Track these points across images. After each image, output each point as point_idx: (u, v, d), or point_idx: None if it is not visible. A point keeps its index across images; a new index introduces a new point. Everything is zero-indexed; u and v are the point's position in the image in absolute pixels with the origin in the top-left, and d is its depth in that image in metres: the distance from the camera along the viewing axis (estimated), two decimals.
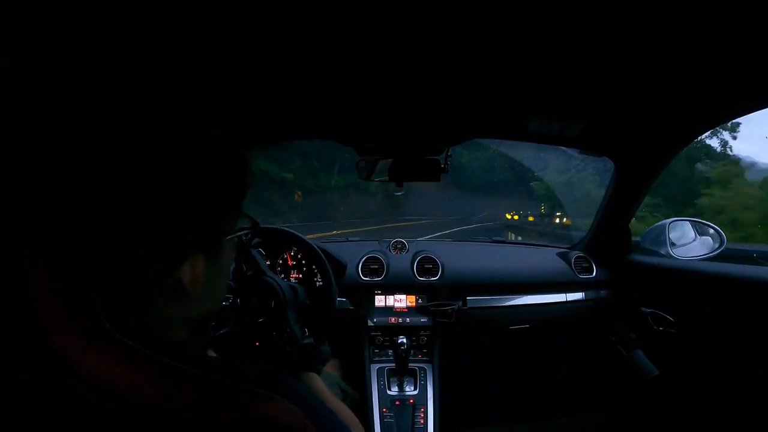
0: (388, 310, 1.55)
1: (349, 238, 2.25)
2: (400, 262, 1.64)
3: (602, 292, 1.63)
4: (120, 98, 0.45)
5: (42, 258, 0.35)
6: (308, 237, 1.34)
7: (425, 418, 1.34)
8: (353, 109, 1.10)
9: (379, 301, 1.55)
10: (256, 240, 1.26)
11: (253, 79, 0.90)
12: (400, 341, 1.37)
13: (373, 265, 1.61)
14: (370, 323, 1.53)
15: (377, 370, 1.48)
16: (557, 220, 15.81)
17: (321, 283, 1.31)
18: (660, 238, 1.46)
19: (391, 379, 1.45)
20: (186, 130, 0.43)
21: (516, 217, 20.56)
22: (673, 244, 1.43)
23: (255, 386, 0.41)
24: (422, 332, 1.54)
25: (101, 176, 0.37)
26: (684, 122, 1.12)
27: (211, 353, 1.01)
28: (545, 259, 1.75)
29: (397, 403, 1.37)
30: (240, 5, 0.61)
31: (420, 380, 1.45)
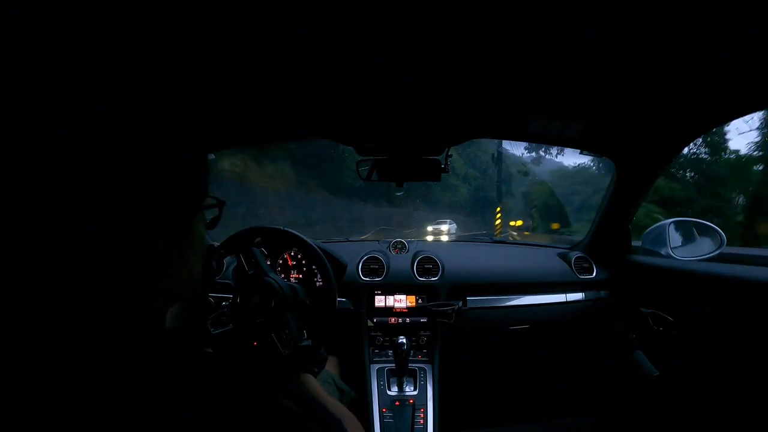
0: (388, 311, 1.55)
1: (349, 238, 2.25)
2: (400, 262, 1.64)
3: (602, 293, 1.63)
4: (117, 99, 0.45)
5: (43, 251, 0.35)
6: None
7: (425, 418, 1.34)
8: (354, 109, 1.10)
9: (379, 301, 1.55)
10: (258, 239, 1.27)
11: (253, 79, 0.90)
12: (400, 341, 1.37)
13: (373, 265, 1.61)
14: (370, 323, 1.53)
15: (377, 370, 1.48)
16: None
17: (321, 283, 1.31)
18: (660, 238, 1.46)
19: (391, 380, 1.45)
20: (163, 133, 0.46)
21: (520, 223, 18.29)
22: (673, 245, 1.43)
23: (254, 385, 0.41)
24: (422, 332, 1.54)
25: (93, 173, 0.37)
26: (684, 123, 1.12)
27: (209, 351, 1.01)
28: (545, 259, 1.75)
29: (397, 403, 1.37)
30: (240, 5, 0.61)
31: (420, 380, 1.44)
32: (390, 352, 1.50)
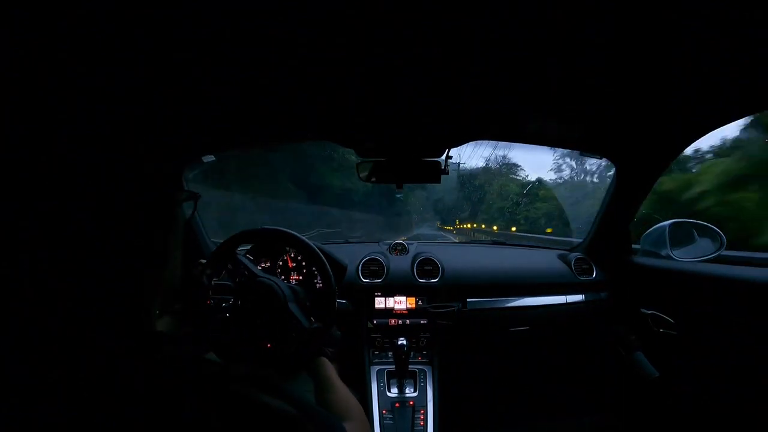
0: (388, 312, 1.54)
1: (349, 240, 2.25)
2: (400, 264, 1.64)
3: (602, 294, 1.63)
4: (117, 98, 0.45)
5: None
6: None
7: (425, 419, 1.33)
8: (354, 111, 1.10)
9: (379, 302, 1.55)
10: (243, 246, 1.27)
11: (253, 79, 0.90)
12: (400, 343, 1.37)
13: (373, 267, 1.61)
14: (369, 325, 1.53)
15: (377, 371, 1.48)
16: None
17: (321, 285, 1.31)
18: (660, 239, 1.46)
19: (391, 381, 1.44)
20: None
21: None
22: (673, 246, 1.43)
23: (250, 388, 0.41)
24: (422, 334, 1.54)
25: (91, 172, 0.37)
26: (685, 123, 1.12)
27: (212, 356, 1.01)
28: (545, 260, 1.75)
29: (397, 404, 1.37)
30: (240, 5, 0.61)
31: (420, 382, 1.44)
32: (390, 353, 1.49)
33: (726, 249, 1.32)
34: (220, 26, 0.67)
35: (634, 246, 1.62)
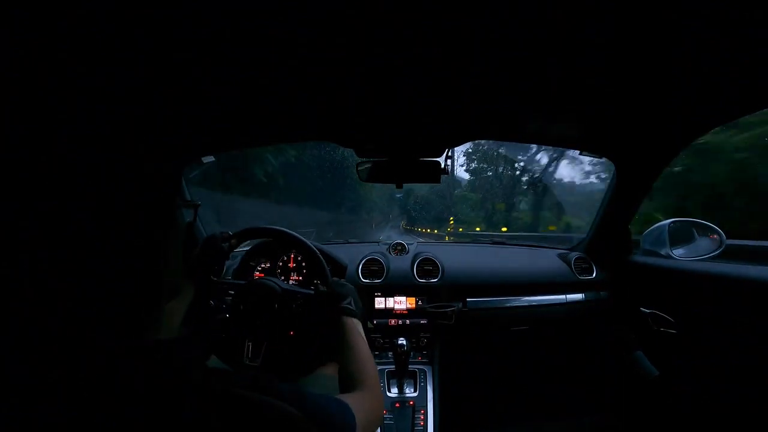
0: (388, 312, 1.54)
1: (349, 240, 2.25)
2: (400, 264, 1.64)
3: (602, 293, 1.63)
4: (117, 98, 0.45)
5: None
6: None
7: (425, 419, 1.33)
8: (354, 111, 1.10)
9: (379, 303, 1.55)
10: (243, 247, 1.28)
11: (253, 79, 0.89)
12: (400, 343, 1.37)
13: (373, 267, 1.61)
14: (369, 325, 1.53)
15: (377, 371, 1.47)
16: None
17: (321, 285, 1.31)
18: (660, 238, 1.46)
19: (391, 381, 1.44)
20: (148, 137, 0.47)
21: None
22: (673, 245, 1.43)
23: (250, 389, 0.41)
24: (422, 334, 1.54)
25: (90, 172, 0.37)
26: (684, 123, 1.12)
27: (214, 361, 1.00)
28: (545, 260, 1.75)
29: (397, 404, 1.37)
30: (240, 5, 0.61)
31: (420, 382, 1.44)
32: (390, 353, 1.49)
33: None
34: (220, 26, 0.67)
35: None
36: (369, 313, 1.54)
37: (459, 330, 1.54)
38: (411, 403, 1.37)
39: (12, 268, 0.34)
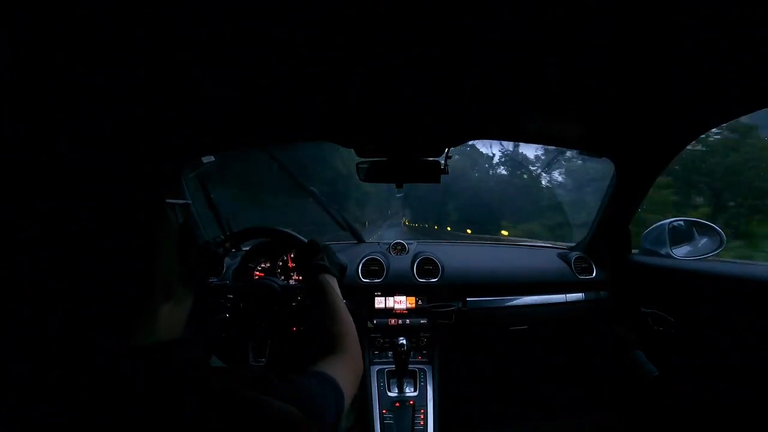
0: (388, 312, 1.55)
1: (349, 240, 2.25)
2: (400, 264, 1.64)
3: (602, 293, 1.63)
4: (117, 98, 0.45)
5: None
6: None
7: (425, 419, 1.33)
8: (353, 110, 1.10)
9: (379, 302, 1.55)
10: (243, 247, 1.28)
11: (253, 79, 0.90)
12: (400, 342, 1.37)
13: (373, 267, 1.61)
14: (369, 325, 1.53)
15: (377, 371, 1.48)
16: None
17: None
18: (660, 238, 1.46)
19: (391, 381, 1.44)
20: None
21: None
22: (673, 244, 1.43)
23: (250, 392, 0.41)
24: (422, 333, 1.54)
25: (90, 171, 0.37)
26: (684, 123, 1.12)
27: (215, 362, 1.00)
28: (545, 259, 1.75)
29: (397, 404, 1.37)
30: (240, 5, 0.61)
31: (420, 381, 1.44)
32: (390, 353, 1.50)
33: None
34: (220, 26, 0.67)
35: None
36: (369, 312, 1.54)
37: (459, 329, 1.54)
38: (411, 402, 1.37)
39: (12, 268, 0.34)
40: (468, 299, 1.54)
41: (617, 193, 1.50)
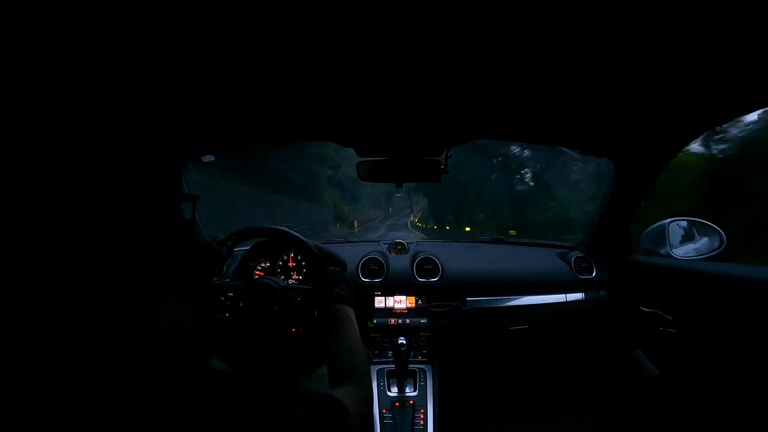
0: (388, 311, 1.55)
1: (349, 239, 2.25)
2: (399, 264, 1.64)
3: (602, 293, 1.63)
4: (117, 98, 0.45)
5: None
6: None
7: (425, 419, 1.33)
8: (353, 110, 1.10)
9: (379, 302, 1.55)
10: (243, 246, 1.28)
11: (253, 79, 0.90)
12: (399, 342, 1.37)
13: (373, 267, 1.61)
14: (369, 324, 1.53)
15: (377, 371, 1.48)
16: None
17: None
18: (660, 237, 1.46)
19: (391, 380, 1.44)
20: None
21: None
22: (673, 244, 1.43)
23: (251, 391, 0.41)
24: (422, 333, 1.54)
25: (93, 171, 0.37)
26: (684, 123, 1.12)
27: (216, 362, 1.01)
28: (545, 259, 1.75)
29: (397, 404, 1.37)
30: (240, 5, 0.61)
31: (420, 381, 1.44)
32: (390, 353, 1.50)
33: None
34: (220, 26, 0.67)
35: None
36: (369, 312, 1.54)
37: (459, 329, 1.54)
38: (411, 402, 1.37)
39: (12, 268, 0.34)
40: (468, 299, 1.54)
41: (617, 193, 1.50)
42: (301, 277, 1.51)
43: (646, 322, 1.40)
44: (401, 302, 1.55)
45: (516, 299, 1.57)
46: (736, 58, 0.77)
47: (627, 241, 1.61)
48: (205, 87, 0.92)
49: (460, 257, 1.71)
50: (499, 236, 2.29)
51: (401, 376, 1.44)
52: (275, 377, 1.07)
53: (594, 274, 1.64)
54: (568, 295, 1.59)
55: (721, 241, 1.34)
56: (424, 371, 1.48)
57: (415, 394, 1.41)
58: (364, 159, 1.42)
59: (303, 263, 1.52)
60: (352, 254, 1.65)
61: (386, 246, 1.80)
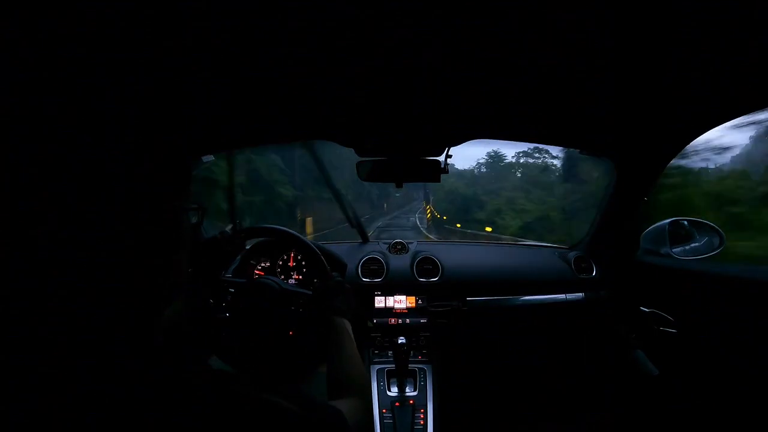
0: (388, 311, 1.55)
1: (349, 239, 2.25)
2: (399, 263, 1.64)
3: (602, 292, 1.63)
4: (117, 98, 0.45)
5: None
6: None
7: (425, 418, 1.33)
8: (354, 110, 1.10)
9: (379, 302, 1.55)
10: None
11: (253, 80, 0.90)
12: (399, 342, 1.37)
13: (372, 266, 1.61)
14: (369, 324, 1.53)
15: (377, 371, 1.48)
16: None
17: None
18: (660, 238, 1.46)
19: (391, 380, 1.44)
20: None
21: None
22: (673, 244, 1.43)
23: (251, 391, 0.41)
24: (422, 333, 1.54)
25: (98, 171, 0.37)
26: (684, 123, 1.12)
27: (216, 362, 1.00)
28: (545, 259, 1.75)
29: (397, 404, 1.37)
30: (240, 5, 0.61)
31: (420, 381, 1.44)
32: (390, 352, 1.49)
33: None
34: (221, 26, 0.67)
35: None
36: (369, 312, 1.54)
37: (459, 329, 1.55)
38: (411, 402, 1.37)
39: (12, 268, 0.34)
40: (468, 298, 1.54)
41: (617, 193, 1.50)
42: (301, 277, 1.51)
43: (646, 322, 1.40)
44: (401, 302, 1.55)
45: (516, 299, 1.57)
46: (736, 59, 0.77)
47: (627, 241, 1.61)
48: (205, 87, 0.92)
49: (460, 257, 1.71)
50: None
51: (401, 375, 1.44)
52: (273, 377, 1.07)
53: (594, 274, 1.64)
54: (568, 294, 1.59)
55: (721, 241, 1.34)
56: (424, 371, 1.48)
57: (415, 393, 1.41)
58: (364, 159, 1.42)
59: (303, 263, 1.52)
60: (352, 254, 1.65)
61: (386, 246, 1.81)
